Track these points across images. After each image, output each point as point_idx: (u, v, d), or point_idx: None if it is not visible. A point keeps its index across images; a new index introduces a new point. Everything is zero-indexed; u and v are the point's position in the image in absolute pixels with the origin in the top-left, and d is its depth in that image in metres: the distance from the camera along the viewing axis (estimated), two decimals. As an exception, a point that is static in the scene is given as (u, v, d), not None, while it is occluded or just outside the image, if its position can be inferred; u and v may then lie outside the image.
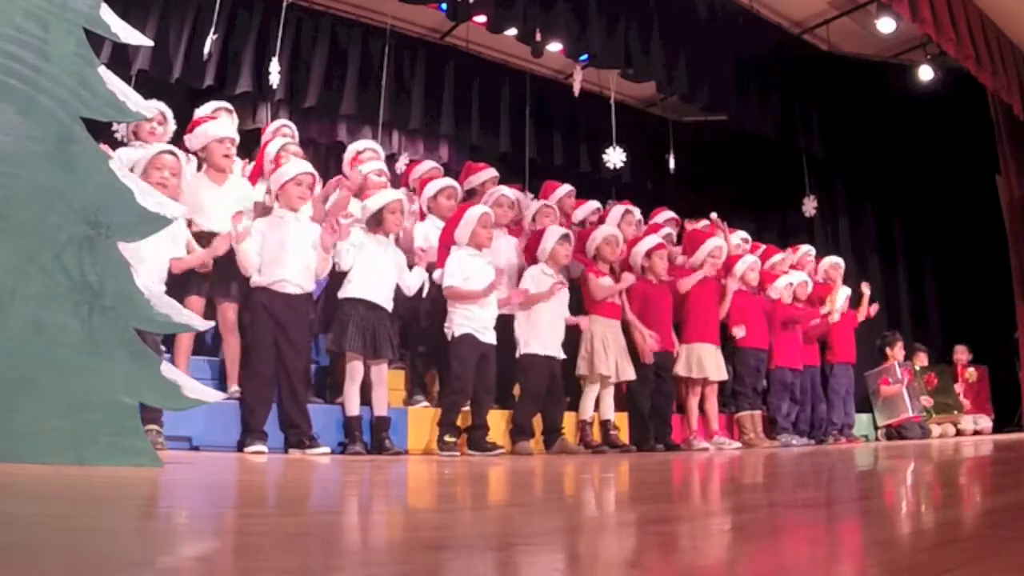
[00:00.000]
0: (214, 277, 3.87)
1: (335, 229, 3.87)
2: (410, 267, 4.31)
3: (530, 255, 4.87)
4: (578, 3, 5.99)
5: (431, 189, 4.90)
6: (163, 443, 3.38)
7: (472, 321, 4.29)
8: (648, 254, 5.19)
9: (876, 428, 7.00)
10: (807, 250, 6.82)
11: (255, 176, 4.38)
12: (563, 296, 4.75)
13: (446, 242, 4.49)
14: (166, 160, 3.64)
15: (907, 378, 6.90)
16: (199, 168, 4.14)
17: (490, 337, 4.36)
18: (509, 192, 5.13)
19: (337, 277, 4.13)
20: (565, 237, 4.77)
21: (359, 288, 4.01)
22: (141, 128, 4.17)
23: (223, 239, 3.72)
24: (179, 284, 3.72)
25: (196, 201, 3.90)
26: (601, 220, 5.61)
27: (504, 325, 4.57)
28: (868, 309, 6.68)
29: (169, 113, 4.32)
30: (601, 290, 4.90)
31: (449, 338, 4.31)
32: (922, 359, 7.32)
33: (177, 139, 4.40)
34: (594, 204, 5.89)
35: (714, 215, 6.29)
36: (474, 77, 7.51)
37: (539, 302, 4.60)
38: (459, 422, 4.27)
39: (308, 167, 4.04)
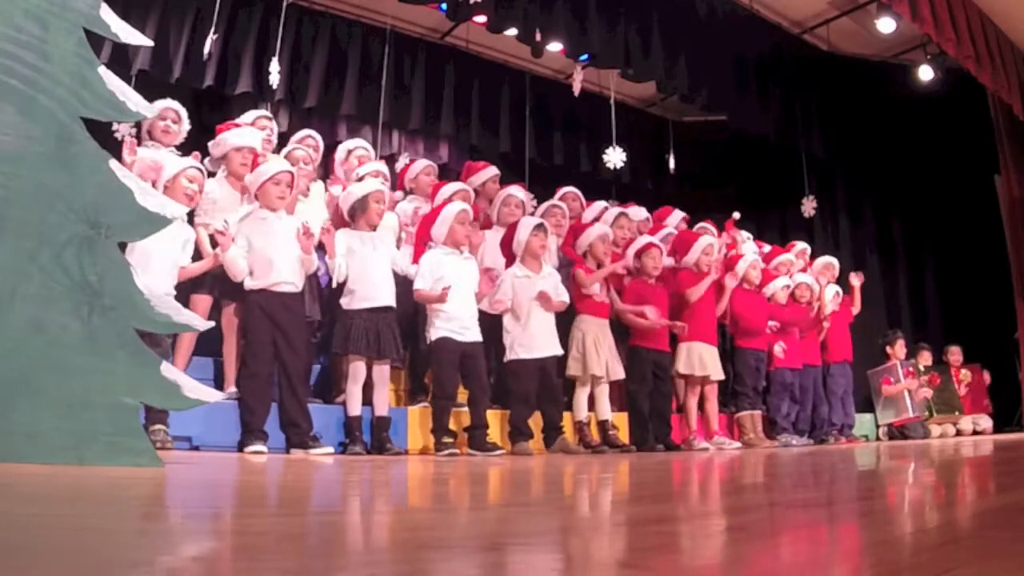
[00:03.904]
0: (221, 277, 3.88)
1: (310, 234, 3.86)
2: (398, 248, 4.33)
3: (507, 249, 4.81)
4: (578, 3, 5.99)
5: (445, 193, 4.85)
6: (170, 443, 3.40)
7: (449, 322, 4.24)
8: (639, 254, 5.19)
9: (878, 427, 7.00)
10: (802, 247, 6.82)
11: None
12: (540, 289, 4.61)
13: (423, 238, 4.45)
14: (194, 174, 3.81)
15: (908, 378, 6.90)
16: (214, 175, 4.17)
17: (472, 335, 4.30)
18: (518, 193, 5.11)
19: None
20: (539, 227, 4.69)
21: (362, 299, 4.01)
22: (155, 127, 4.19)
23: (224, 242, 3.75)
24: (188, 281, 3.75)
25: (215, 207, 3.94)
26: (596, 220, 5.60)
27: (500, 324, 4.56)
28: (858, 298, 6.69)
29: (183, 113, 4.33)
30: (589, 280, 4.86)
31: (427, 341, 4.29)
32: (926, 358, 7.32)
33: (189, 138, 4.41)
34: (602, 204, 5.88)
35: (736, 215, 6.30)
36: (474, 77, 7.51)
37: (512, 309, 4.53)
38: (453, 423, 4.27)
39: (286, 165, 4.02)
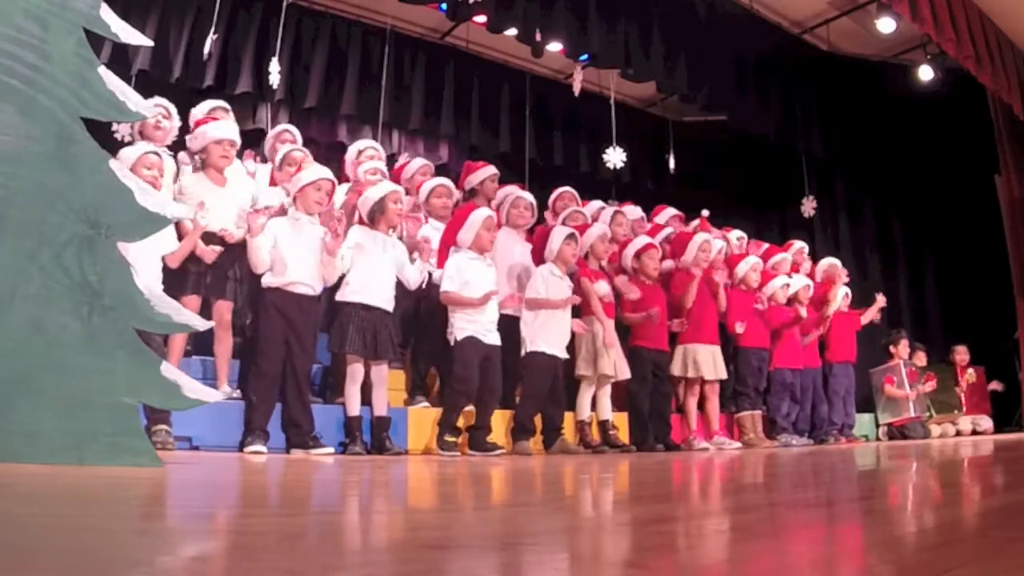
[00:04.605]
0: (210, 275, 3.87)
1: (337, 233, 3.88)
2: (412, 259, 4.30)
3: (537, 255, 4.86)
4: (578, 3, 5.99)
5: (423, 192, 4.90)
6: (173, 443, 3.39)
7: (474, 324, 4.27)
8: (638, 255, 5.19)
9: (878, 426, 7.00)
10: (800, 246, 6.83)
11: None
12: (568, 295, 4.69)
13: (448, 243, 4.48)
14: (153, 160, 3.71)
15: (911, 379, 6.90)
16: (201, 167, 4.15)
17: (493, 339, 4.34)
18: (526, 195, 5.13)
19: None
20: (571, 236, 4.77)
21: (356, 292, 4.00)
22: (147, 126, 4.18)
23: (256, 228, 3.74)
24: (175, 283, 3.72)
25: (191, 201, 3.92)
26: (594, 220, 5.61)
27: (507, 327, 4.57)
28: (874, 314, 6.69)
29: (173, 109, 4.33)
30: (597, 296, 4.88)
31: (452, 343, 4.30)
32: (921, 358, 7.32)
33: (181, 136, 4.41)
34: (598, 204, 5.89)
35: (705, 213, 6.30)
36: (474, 77, 7.51)
37: (548, 309, 4.58)
38: (460, 422, 4.27)
39: (328, 173, 4.05)
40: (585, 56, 6.42)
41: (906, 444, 6.02)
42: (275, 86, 5.76)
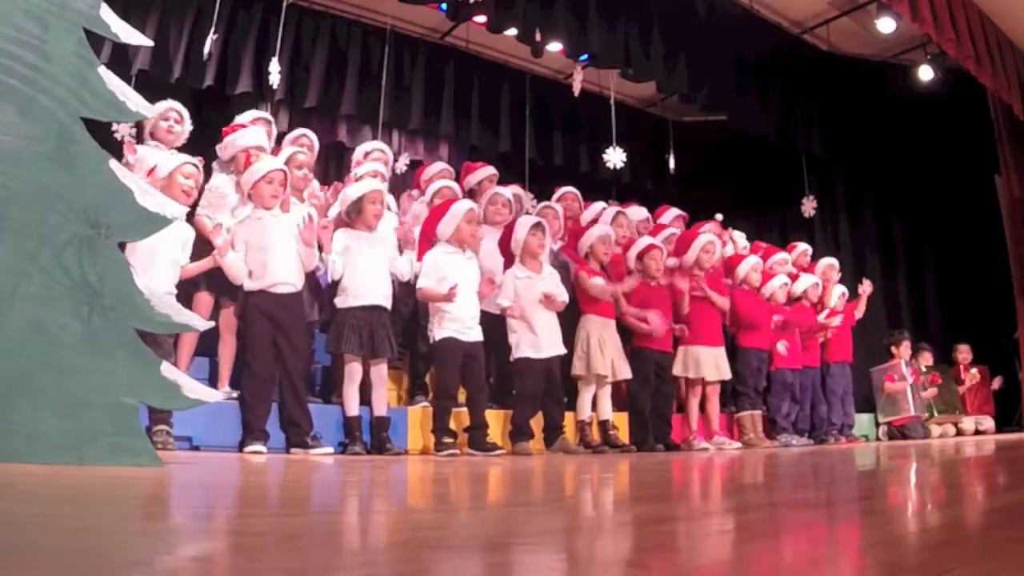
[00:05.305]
0: (220, 277, 3.88)
1: (310, 227, 3.86)
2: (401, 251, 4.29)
3: (505, 250, 4.79)
4: (578, 3, 5.99)
5: (428, 193, 4.90)
6: (173, 443, 3.40)
7: (453, 322, 4.21)
8: (641, 256, 5.18)
9: (878, 425, 7.00)
10: (804, 248, 6.83)
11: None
12: (542, 289, 4.58)
13: (428, 234, 4.42)
14: (190, 170, 3.77)
15: (912, 377, 6.90)
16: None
17: (475, 335, 4.28)
18: (504, 191, 5.10)
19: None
20: (537, 226, 4.65)
21: (354, 297, 4.00)
22: (158, 128, 4.19)
23: (222, 247, 3.75)
24: (190, 280, 3.77)
25: (224, 202, 3.96)
26: (595, 220, 5.60)
27: (496, 324, 4.55)
28: (863, 300, 6.71)
29: (185, 113, 4.34)
30: (597, 289, 4.85)
31: (431, 341, 4.27)
32: (927, 358, 7.32)
33: (191, 139, 4.41)
34: (600, 205, 5.89)
35: (719, 216, 6.30)
36: (474, 77, 7.50)
37: (522, 313, 4.49)
38: (454, 424, 4.26)
39: (278, 164, 4.00)
40: (585, 56, 6.42)
41: (906, 444, 6.02)
42: (275, 86, 5.75)
